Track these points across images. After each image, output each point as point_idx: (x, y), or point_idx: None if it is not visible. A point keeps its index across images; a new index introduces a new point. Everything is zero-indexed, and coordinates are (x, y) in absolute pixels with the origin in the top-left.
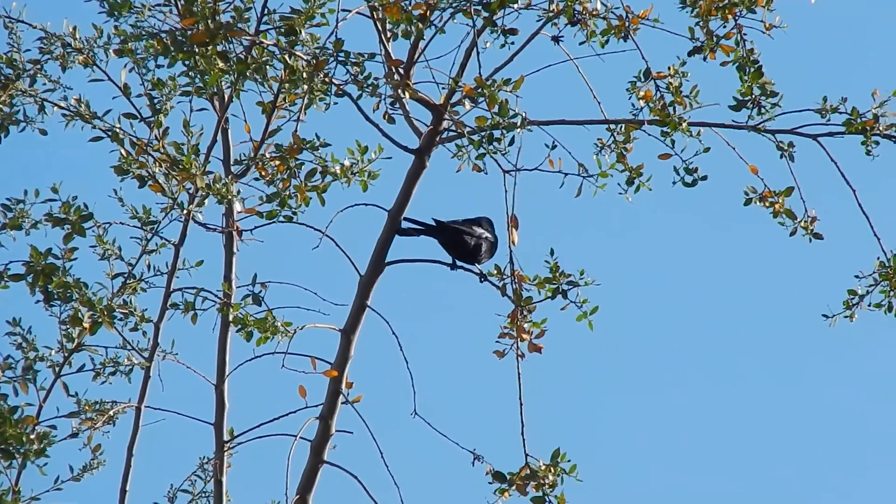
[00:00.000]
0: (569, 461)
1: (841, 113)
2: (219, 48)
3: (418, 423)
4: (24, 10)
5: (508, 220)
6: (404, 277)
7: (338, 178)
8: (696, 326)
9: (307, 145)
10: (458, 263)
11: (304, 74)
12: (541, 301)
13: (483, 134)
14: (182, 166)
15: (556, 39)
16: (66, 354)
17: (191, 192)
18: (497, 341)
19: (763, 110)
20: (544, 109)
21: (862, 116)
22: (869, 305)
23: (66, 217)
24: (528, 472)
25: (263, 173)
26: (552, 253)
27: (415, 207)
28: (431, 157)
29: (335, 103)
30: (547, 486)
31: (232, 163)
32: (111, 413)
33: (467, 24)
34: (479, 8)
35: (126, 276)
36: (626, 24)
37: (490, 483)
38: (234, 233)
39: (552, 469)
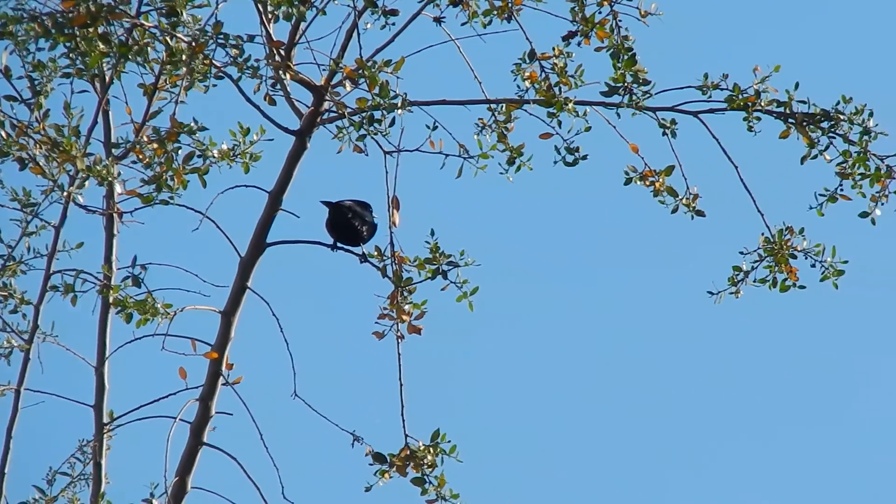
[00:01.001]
0: (449, 442)
1: (723, 89)
2: (100, 30)
3: (298, 404)
4: None
5: (390, 202)
6: (285, 259)
7: (217, 161)
8: (576, 305)
9: (185, 129)
10: (339, 245)
11: (184, 57)
12: (421, 282)
13: (363, 115)
14: (62, 148)
15: (437, 20)
16: None
17: (71, 174)
18: (377, 322)
19: (634, 97)
20: (426, 90)
21: (743, 93)
22: (754, 281)
23: None
24: (408, 452)
25: (142, 157)
26: (432, 234)
27: (296, 189)
28: (313, 138)
29: (214, 85)
30: (427, 467)
31: (112, 145)
32: None
33: (348, 6)
34: None
35: (6, 258)
36: (509, 4)
37: (371, 465)
38: (115, 215)
39: (432, 450)
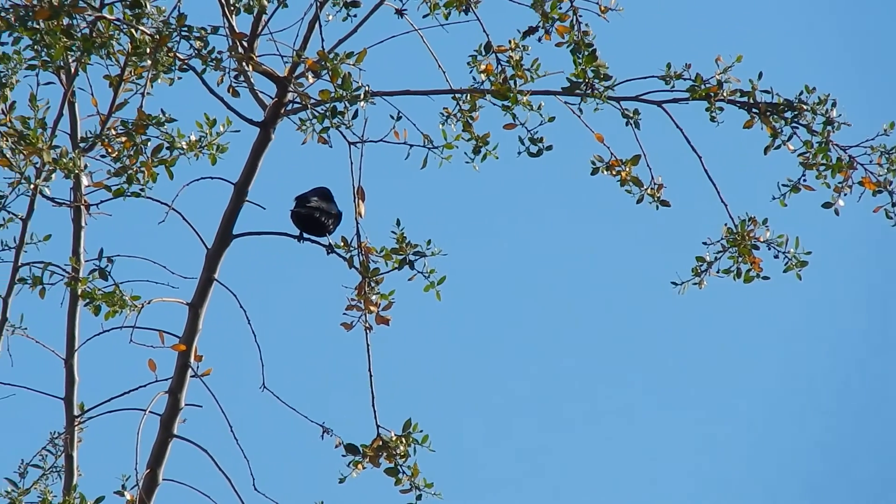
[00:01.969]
0: (421, 431)
1: (685, 80)
2: (64, 22)
3: (267, 396)
4: None
5: (355, 192)
6: (251, 250)
7: (185, 152)
8: (545, 295)
9: (152, 121)
10: (306, 236)
11: (149, 49)
12: (388, 272)
13: (327, 107)
14: (29, 140)
15: (399, 12)
16: None
17: (38, 166)
18: (345, 313)
19: (596, 92)
20: (390, 81)
21: (706, 83)
22: (717, 272)
23: None
24: (381, 443)
25: (110, 150)
26: (398, 224)
27: (261, 180)
28: (277, 129)
29: (179, 78)
30: (399, 457)
31: (79, 138)
32: None
33: None
34: None
35: None
36: None
37: (343, 456)
38: (82, 207)
39: (404, 440)
